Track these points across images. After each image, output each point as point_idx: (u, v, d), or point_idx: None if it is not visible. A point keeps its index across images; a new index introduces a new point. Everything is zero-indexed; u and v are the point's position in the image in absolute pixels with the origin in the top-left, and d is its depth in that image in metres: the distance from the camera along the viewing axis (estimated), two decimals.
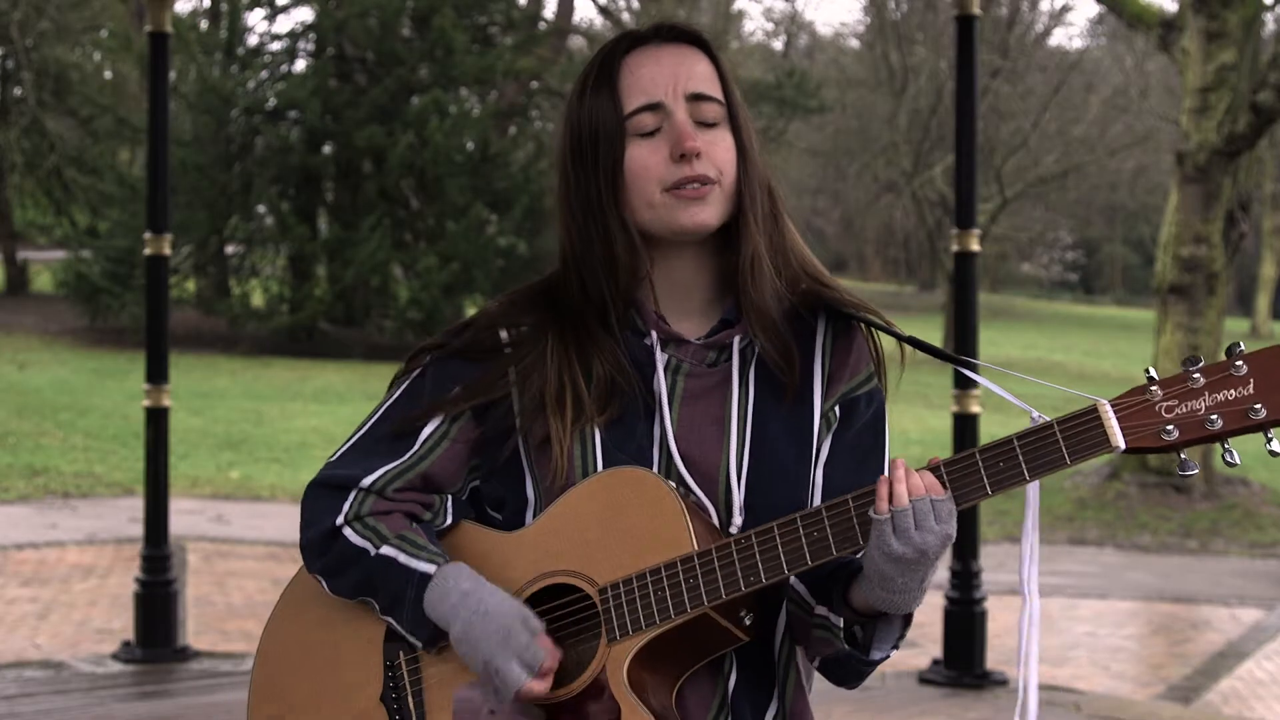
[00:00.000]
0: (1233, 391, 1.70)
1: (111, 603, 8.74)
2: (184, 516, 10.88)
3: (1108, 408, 1.73)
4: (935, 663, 7.02)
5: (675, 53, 1.96)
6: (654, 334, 1.96)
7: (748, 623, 1.87)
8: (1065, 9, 50.25)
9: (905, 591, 1.79)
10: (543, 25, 29.41)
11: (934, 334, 33.21)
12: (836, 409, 1.97)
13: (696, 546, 1.83)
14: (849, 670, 1.93)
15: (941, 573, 8.60)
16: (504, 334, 1.99)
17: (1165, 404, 1.72)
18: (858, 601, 1.85)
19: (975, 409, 6.98)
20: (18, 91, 28.13)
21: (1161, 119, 30.59)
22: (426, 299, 23.20)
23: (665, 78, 1.93)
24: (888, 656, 1.93)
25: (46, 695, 6.45)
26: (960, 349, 6.92)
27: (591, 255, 1.95)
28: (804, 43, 44.58)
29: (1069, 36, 67.18)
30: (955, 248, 7.02)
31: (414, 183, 24.39)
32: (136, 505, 9.65)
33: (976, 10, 7.02)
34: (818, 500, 1.95)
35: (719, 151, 1.93)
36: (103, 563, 10.01)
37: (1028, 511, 1.83)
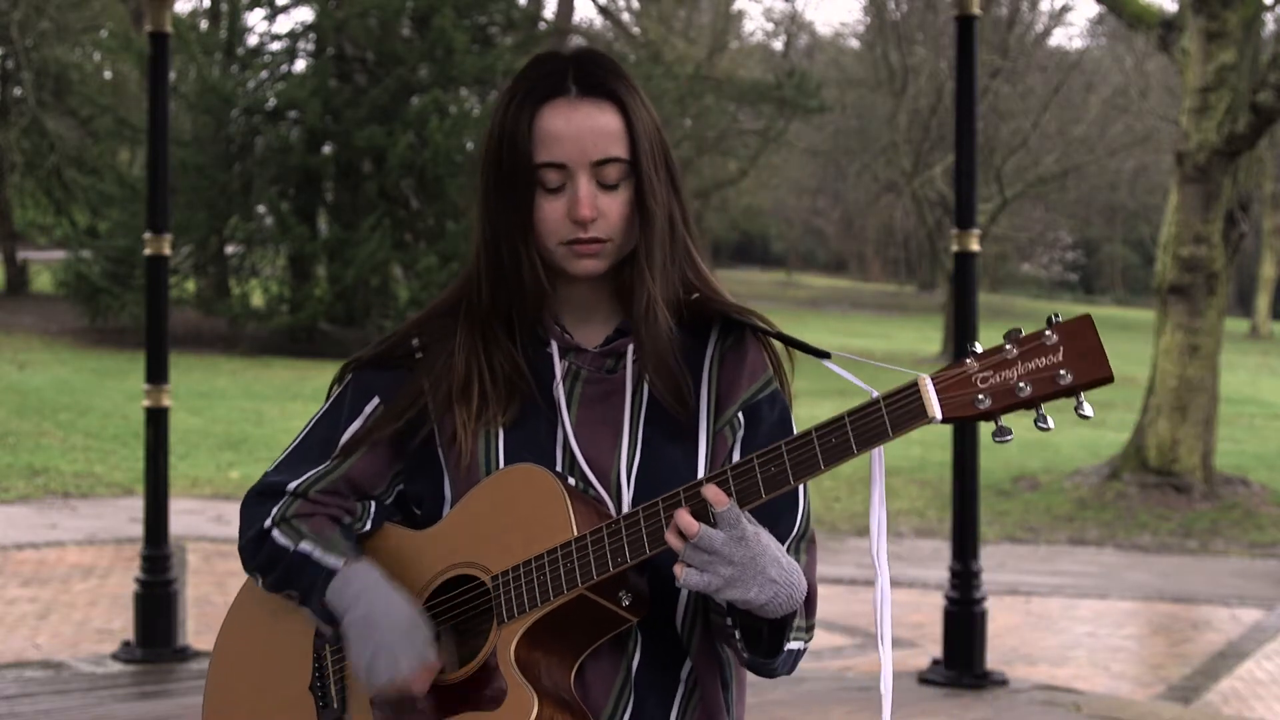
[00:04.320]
0: (1043, 360, 1.77)
1: (111, 603, 8.74)
2: (184, 516, 10.88)
3: (928, 382, 1.81)
4: (935, 663, 7.02)
5: (587, 111, 2.04)
6: (554, 343, 2.10)
7: (626, 603, 1.97)
8: (1065, 9, 50.30)
9: (766, 600, 1.88)
10: (543, 25, 29.41)
11: (934, 334, 33.19)
12: (740, 415, 2.08)
13: (576, 533, 1.95)
14: (761, 670, 2.05)
15: (941, 573, 8.60)
16: (415, 341, 2.15)
17: (980, 375, 1.79)
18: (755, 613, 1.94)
19: None
20: (18, 91, 28.13)
21: (1161, 119, 30.60)
22: (426, 299, 23.18)
23: (573, 141, 2.03)
24: (801, 641, 2.02)
25: (46, 695, 6.45)
26: (960, 349, 6.92)
27: (500, 272, 2.08)
28: (804, 43, 44.58)
29: (1069, 36, 67.22)
30: (955, 248, 7.02)
31: (414, 183, 24.39)
32: (136, 505, 9.65)
33: (976, 10, 7.02)
34: None
35: (614, 211, 2.04)
36: (103, 563, 10.01)
37: (874, 488, 1.91)
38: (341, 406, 2.15)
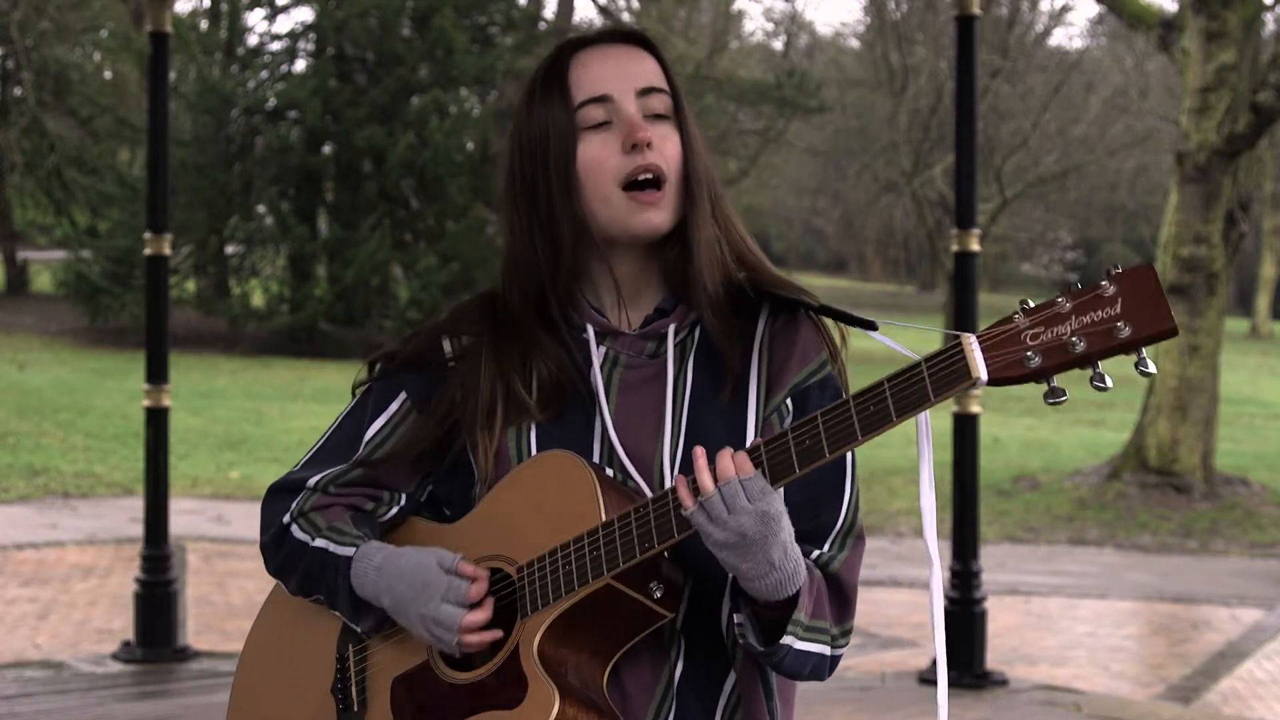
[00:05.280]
0: (1099, 313, 1.61)
1: (111, 603, 8.73)
2: (184, 516, 10.88)
3: (973, 340, 1.66)
4: (936, 662, 7.02)
5: (623, 50, 1.99)
6: (590, 328, 1.98)
7: (658, 595, 1.86)
8: (1065, 9, 50.25)
9: (759, 576, 1.78)
10: (543, 25, 29.41)
11: (933, 334, 33.15)
12: (788, 401, 1.97)
13: (605, 518, 1.84)
14: (774, 667, 1.92)
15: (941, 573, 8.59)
16: (447, 345, 2.04)
17: (1030, 331, 1.64)
18: (749, 594, 1.85)
19: (975, 409, 6.98)
20: (18, 91, 28.12)
21: (1161, 119, 30.60)
22: (426, 299, 23.20)
23: (614, 70, 1.96)
24: (816, 643, 1.89)
25: (46, 695, 6.45)
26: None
27: (534, 254, 1.97)
28: (804, 43, 44.57)
29: (1069, 36, 67.22)
30: (955, 248, 7.02)
31: (414, 183, 24.39)
32: (136, 505, 9.65)
33: (976, 10, 7.02)
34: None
35: (668, 147, 1.95)
36: (103, 563, 10.00)
37: (922, 463, 1.80)
38: (366, 404, 2.07)
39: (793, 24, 42.21)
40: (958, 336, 1.67)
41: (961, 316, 7.00)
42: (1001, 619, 8.77)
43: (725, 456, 1.76)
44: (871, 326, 1.91)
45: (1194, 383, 14.10)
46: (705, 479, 1.76)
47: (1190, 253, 13.93)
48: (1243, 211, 14.61)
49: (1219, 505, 13.90)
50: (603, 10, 32.95)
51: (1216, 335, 14.23)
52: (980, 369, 1.65)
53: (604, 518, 1.84)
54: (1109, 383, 1.64)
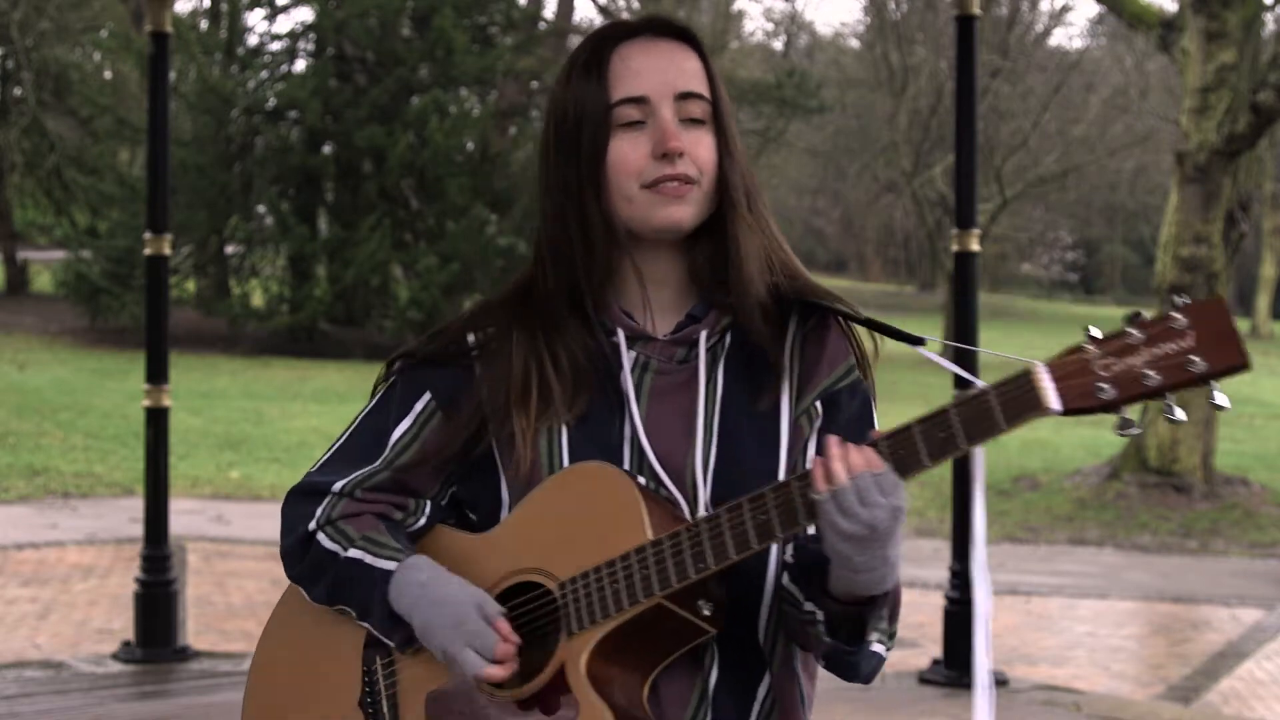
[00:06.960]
0: (1172, 345, 1.62)
1: (111, 603, 8.74)
2: (184, 516, 10.88)
3: (1042, 370, 1.66)
4: (935, 663, 7.02)
5: (667, 48, 1.95)
6: (620, 331, 1.95)
7: (707, 613, 1.83)
8: (1065, 9, 50.28)
9: (869, 570, 1.76)
10: (543, 25, 29.42)
11: (934, 334, 33.21)
12: (818, 404, 1.94)
13: (651, 536, 1.81)
14: (843, 664, 1.89)
15: (941, 573, 8.60)
16: (471, 338, 1.99)
17: (1102, 362, 1.64)
18: (834, 589, 1.82)
19: None
20: (18, 91, 28.13)
21: (1161, 119, 30.61)
22: (426, 299, 23.21)
23: (655, 72, 1.91)
24: (884, 645, 1.88)
25: (46, 695, 6.45)
26: (960, 350, 6.92)
27: (568, 243, 1.93)
28: (804, 43, 44.60)
29: (1069, 36, 67.27)
30: (955, 248, 7.02)
31: (414, 183, 24.40)
32: (136, 505, 9.65)
33: (976, 10, 7.02)
34: None
35: (702, 150, 1.91)
36: (103, 563, 10.01)
37: (975, 490, 1.80)
38: (390, 403, 2.01)
39: (793, 24, 42.26)
40: (1026, 365, 1.67)
41: (961, 317, 7.00)
42: (1001, 619, 8.77)
43: (854, 450, 1.73)
44: (918, 342, 1.91)
45: None
46: (839, 468, 1.73)
47: (1190, 253, 13.93)
48: (1243, 211, 14.61)
49: (1219, 505, 13.90)
50: (603, 10, 32.95)
51: None
52: (1053, 399, 1.65)
53: (650, 535, 1.80)
54: (1179, 414, 1.66)
